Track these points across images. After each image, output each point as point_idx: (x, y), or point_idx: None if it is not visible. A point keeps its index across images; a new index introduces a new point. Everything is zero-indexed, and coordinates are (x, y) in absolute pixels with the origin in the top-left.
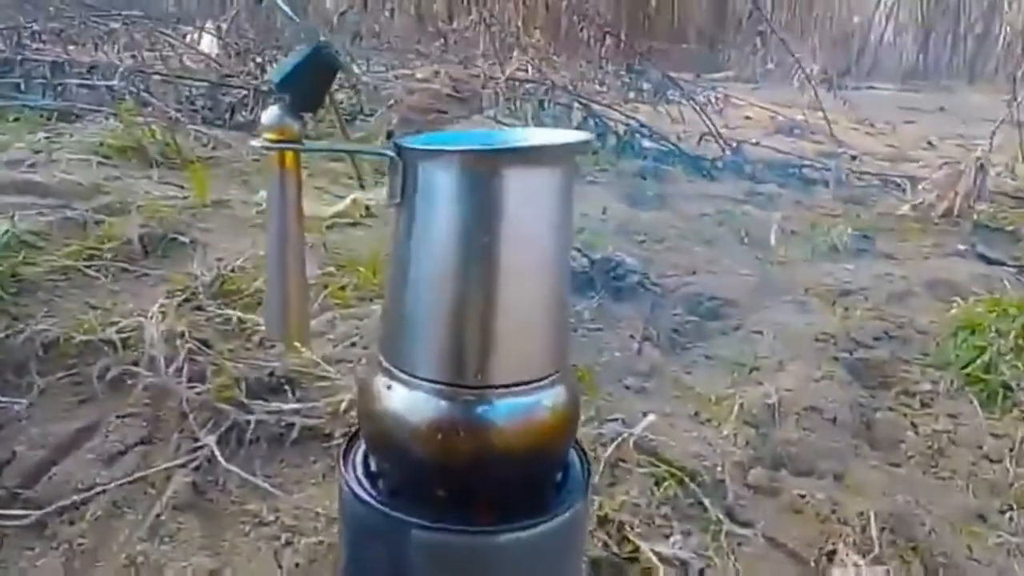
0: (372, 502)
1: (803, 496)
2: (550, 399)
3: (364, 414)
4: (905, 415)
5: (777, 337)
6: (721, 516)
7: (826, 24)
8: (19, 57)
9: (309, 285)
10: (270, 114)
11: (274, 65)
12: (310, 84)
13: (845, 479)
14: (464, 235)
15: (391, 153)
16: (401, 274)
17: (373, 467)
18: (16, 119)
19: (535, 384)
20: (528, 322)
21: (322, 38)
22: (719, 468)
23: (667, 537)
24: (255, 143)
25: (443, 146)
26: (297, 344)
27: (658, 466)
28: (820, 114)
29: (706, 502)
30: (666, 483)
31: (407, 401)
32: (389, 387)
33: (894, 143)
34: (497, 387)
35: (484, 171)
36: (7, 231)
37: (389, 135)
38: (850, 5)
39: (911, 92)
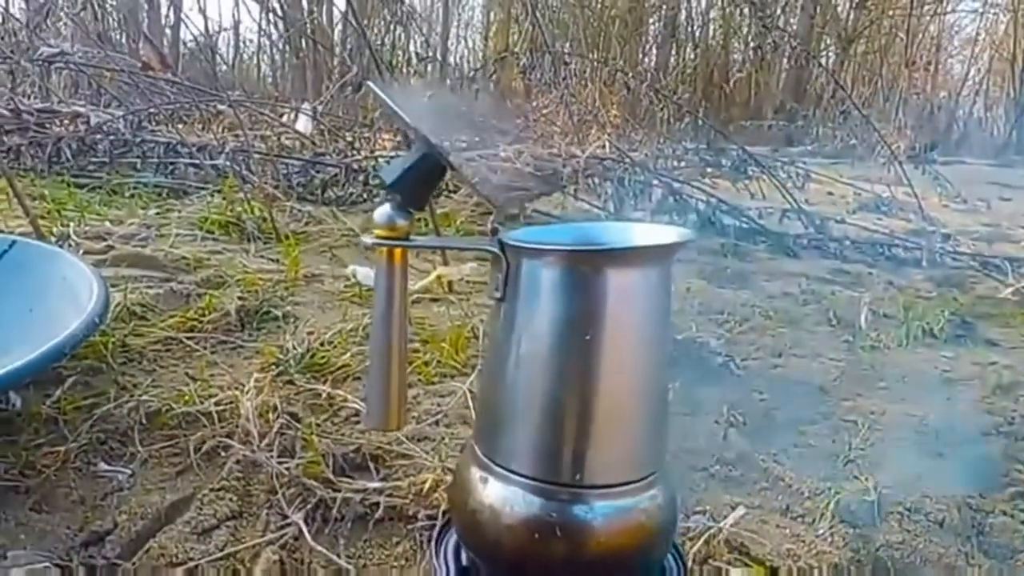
0: None
1: None
2: (648, 501)
3: (458, 505)
4: (1023, 521)
5: (872, 428)
6: None
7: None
8: (137, 139)
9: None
10: (381, 212)
11: (383, 163)
12: (418, 184)
13: None
14: (565, 332)
15: (495, 249)
16: (500, 367)
17: (464, 560)
18: (132, 195)
19: (633, 485)
20: (627, 422)
21: (431, 143)
22: (816, 571)
23: None
24: (367, 239)
25: (546, 244)
26: (394, 430)
27: (749, 565)
28: (907, 190)
29: None
30: None
31: (503, 496)
32: (485, 480)
33: (989, 221)
34: (595, 487)
35: (587, 270)
36: (119, 304)
37: (494, 232)
38: (935, 80)
39: (1004, 168)
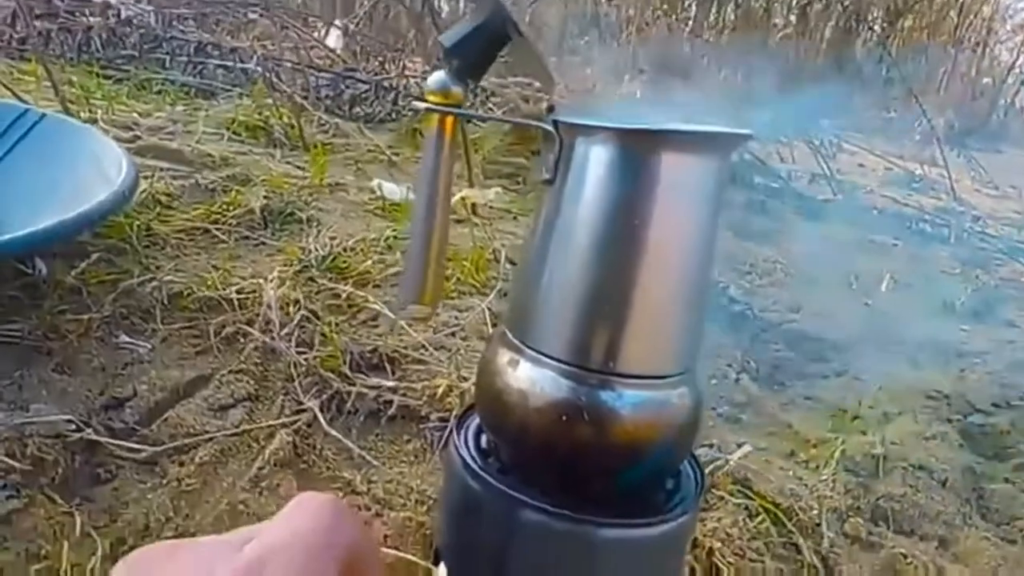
0: (485, 475)
1: (904, 556)
2: (677, 398)
3: (484, 388)
4: (1023, 491)
5: (883, 388)
6: (816, 562)
7: (954, 81)
8: (168, 35)
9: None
10: (436, 78)
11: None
12: (479, 52)
13: (951, 546)
14: (614, 216)
15: (548, 127)
16: (542, 250)
17: (483, 443)
18: (159, 91)
19: (664, 380)
20: (665, 315)
21: (499, 3)
22: (815, 511)
23: (759, 573)
24: (419, 104)
25: (604, 123)
26: (427, 309)
27: (752, 499)
28: (940, 170)
29: (801, 544)
30: (759, 517)
31: (532, 378)
32: (515, 363)
33: (1020, 209)
34: (625, 376)
35: (645, 152)
36: (144, 191)
37: (550, 109)
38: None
39: None
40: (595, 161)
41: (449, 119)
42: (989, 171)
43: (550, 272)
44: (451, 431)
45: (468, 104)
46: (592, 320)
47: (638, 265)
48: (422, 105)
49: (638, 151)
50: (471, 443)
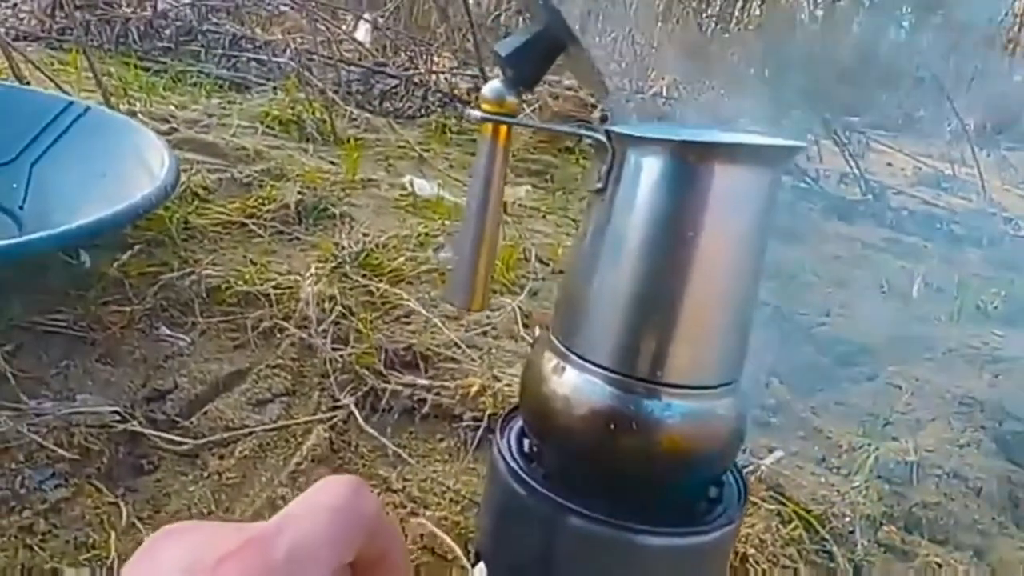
0: (529, 480)
1: (939, 565)
2: (723, 409)
3: (529, 393)
4: None
5: (916, 394)
6: (850, 570)
7: (984, 78)
8: (203, 27)
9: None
10: (491, 87)
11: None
12: (535, 61)
13: (986, 555)
14: (666, 227)
15: (601, 136)
16: (592, 258)
17: (527, 448)
18: (194, 83)
19: (710, 391)
20: (713, 327)
21: (555, 10)
22: (848, 518)
23: None
24: (474, 113)
25: (657, 134)
26: (476, 311)
27: (785, 504)
28: (969, 170)
29: (835, 551)
30: (792, 524)
31: (578, 385)
32: (561, 369)
33: None
34: (673, 386)
35: (697, 164)
36: (183, 184)
37: (603, 119)
38: (1011, 62)
39: None
40: (647, 171)
41: (503, 128)
42: (1021, 171)
43: (599, 280)
44: (487, 431)
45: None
46: (640, 329)
47: (687, 276)
48: (477, 114)
49: (690, 162)
50: (514, 447)
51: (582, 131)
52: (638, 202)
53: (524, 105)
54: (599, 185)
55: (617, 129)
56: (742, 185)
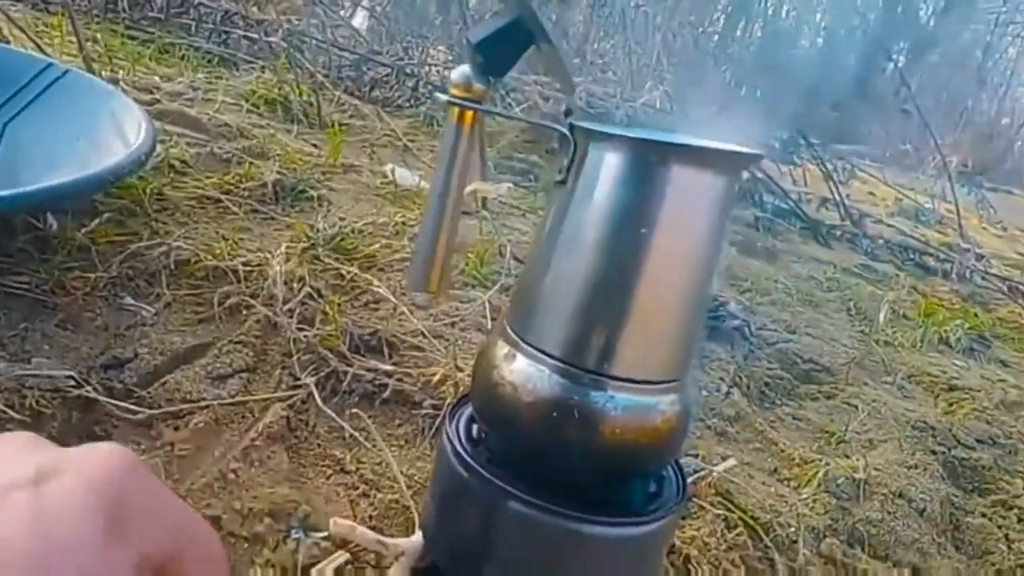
0: (473, 463)
1: None
2: (667, 405)
3: (479, 378)
4: (1000, 527)
5: (872, 415)
6: None
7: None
8: (195, 1)
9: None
10: (461, 72)
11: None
12: (504, 49)
13: (923, 573)
14: (622, 223)
15: (564, 130)
16: (549, 250)
17: (475, 433)
18: (182, 57)
19: (655, 385)
20: (662, 324)
21: (527, 4)
22: (793, 528)
23: None
24: (442, 96)
25: (618, 131)
26: (436, 299)
27: (732, 511)
28: (949, 205)
29: (777, 559)
30: (737, 529)
31: (527, 373)
32: (512, 356)
33: None
34: (619, 379)
35: (656, 163)
36: (160, 155)
37: (567, 113)
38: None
39: None
40: (607, 167)
41: (468, 113)
42: (999, 211)
43: (554, 271)
44: (444, 418)
45: (489, 99)
46: (590, 321)
47: (640, 272)
48: (443, 97)
49: (650, 161)
50: (462, 431)
51: (545, 123)
52: (596, 196)
53: (513, 103)
54: (559, 178)
55: (580, 124)
56: (697, 187)
